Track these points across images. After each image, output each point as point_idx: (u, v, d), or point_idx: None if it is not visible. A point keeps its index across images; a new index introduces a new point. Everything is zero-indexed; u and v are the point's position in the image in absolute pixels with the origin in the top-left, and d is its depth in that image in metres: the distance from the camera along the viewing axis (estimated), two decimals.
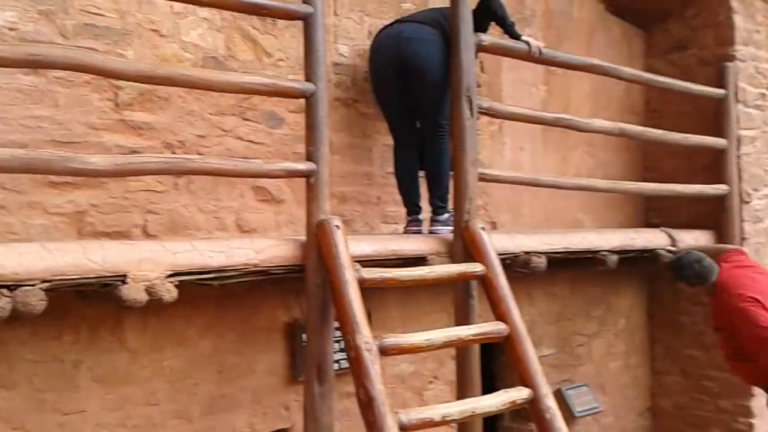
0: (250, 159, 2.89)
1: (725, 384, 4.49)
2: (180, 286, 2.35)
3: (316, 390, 2.60)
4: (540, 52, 3.38)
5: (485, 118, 3.54)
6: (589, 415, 3.69)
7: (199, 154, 2.87)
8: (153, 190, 2.81)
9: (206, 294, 2.72)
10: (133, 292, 2.25)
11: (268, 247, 2.65)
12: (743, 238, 4.54)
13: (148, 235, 2.78)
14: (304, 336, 2.96)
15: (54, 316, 2.38)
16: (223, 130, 3.01)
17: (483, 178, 3.19)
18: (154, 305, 2.38)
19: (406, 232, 3.40)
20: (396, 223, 3.62)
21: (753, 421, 4.49)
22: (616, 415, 4.65)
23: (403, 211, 3.47)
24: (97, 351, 2.60)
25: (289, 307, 3.19)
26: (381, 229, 3.59)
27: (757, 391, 4.16)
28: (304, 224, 2.77)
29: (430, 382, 3.70)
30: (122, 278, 2.25)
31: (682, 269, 3.84)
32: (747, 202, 4.62)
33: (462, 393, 2.97)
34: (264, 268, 2.61)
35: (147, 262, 2.31)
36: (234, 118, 3.05)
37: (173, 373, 2.80)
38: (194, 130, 2.92)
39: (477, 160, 3.18)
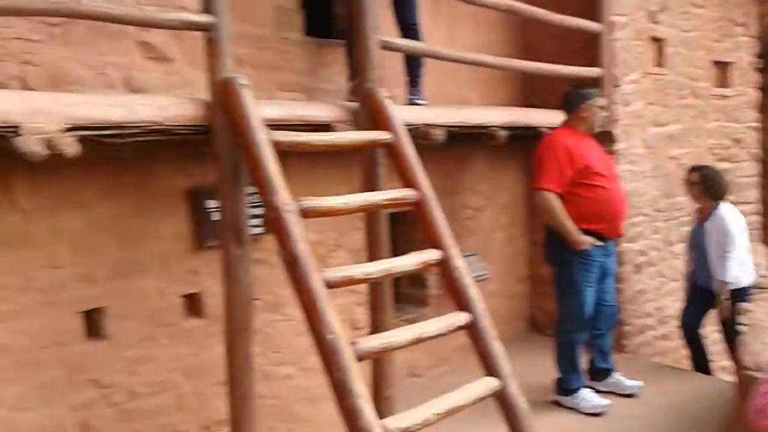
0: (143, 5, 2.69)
1: None
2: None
3: (234, 253, 2.58)
4: None
5: None
6: (478, 281, 3.26)
7: None
8: (27, 39, 2.63)
9: (103, 156, 2.57)
10: (31, 145, 2.13)
11: (172, 105, 2.53)
12: (613, 121, 4.68)
13: (28, 88, 2.62)
14: (206, 202, 3.08)
15: None
16: None
17: (385, 47, 3.11)
18: (45, 165, 2.29)
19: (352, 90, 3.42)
20: (292, 92, 3.55)
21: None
22: (500, 281, 4.95)
23: (300, 80, 3.57)
24: None
25: (190, 172, 3.08)
26: (277, 97, 3.40)
27: None
28: (199, 87, 2.63)
29: (333, 251, 3.74)
30: (14, 130, 2.10)
31: None
32: (617, 86, 4.75)
33: (371, 258, 3.03)
34: (167, 127, 2.50)
35: (40, 114, 2.15)
36: None
37: (73, 237, 2.71)
38: None
39: (377, 27, 3.05)
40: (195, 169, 3.09)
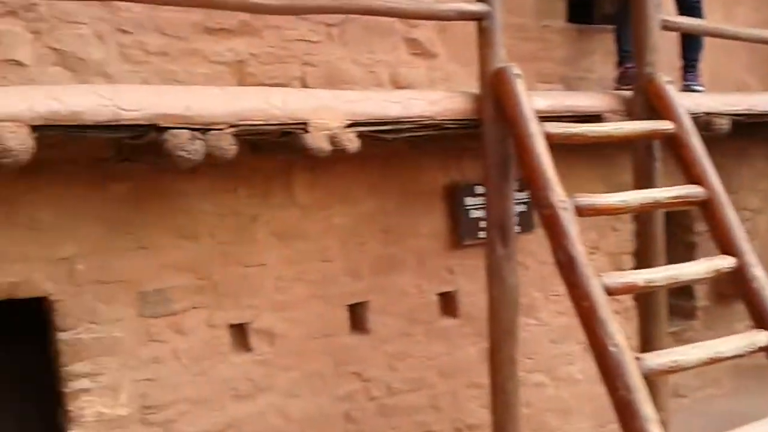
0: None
1: None
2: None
3: (500, 252, 2.49)
4: None
5: None
6: None
7: None
8: (308, 40, 2.69)
9: (373, 153, 2.58)
10: (318, 141, 2.21)
11: (442, 99, 2.53)
12: None
13: (306, 87, 2.64)
14: (465, 199, 3.02)
15: (228, 169, 2.39)
16: None
17: (666, 26, 2.88)
18: (322, 162, 2.41)
19: (621, 77, 3.27)
20: (551, 83, 3.35)
21: None
22: None
23: (559, 70, 3.36)
24: (270, 206, 2.62)
25: (448, 168, 3.06)
26: (536, 89, 3.13)
27: None
28: (459, 82, 2.67)
29: (591, 253, 3.33)
30: (303, 126, 2.20)
31: None
32: None
33: (642, 263, 2.79)
34: (438, 122, 2.49)
35: (325, 111, 2.24)
36: None
37: (342, 232, 2.79)
38: None
39: (659, 5, 2.83)
40: (453, 166, 3.09)
